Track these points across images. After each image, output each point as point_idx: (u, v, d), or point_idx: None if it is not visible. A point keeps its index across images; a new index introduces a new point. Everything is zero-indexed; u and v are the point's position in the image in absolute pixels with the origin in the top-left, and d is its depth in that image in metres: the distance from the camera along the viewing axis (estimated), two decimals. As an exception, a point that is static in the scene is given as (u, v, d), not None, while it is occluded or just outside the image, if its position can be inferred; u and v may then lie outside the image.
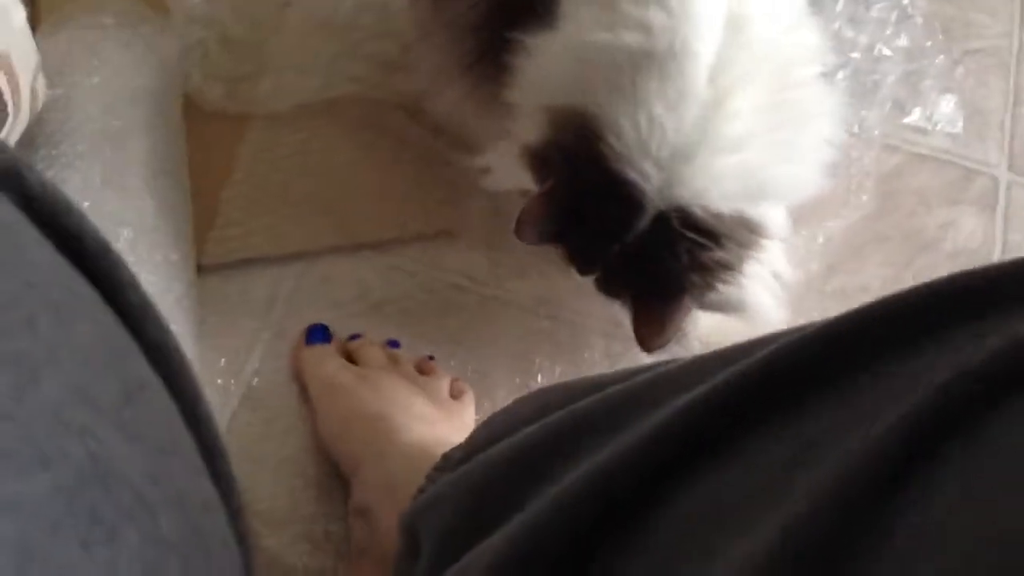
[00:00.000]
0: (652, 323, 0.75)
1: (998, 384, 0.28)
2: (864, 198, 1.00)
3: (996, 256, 0.99)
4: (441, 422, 0.81)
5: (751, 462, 0.33)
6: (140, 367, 0.35)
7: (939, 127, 1.06)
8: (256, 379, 0.88)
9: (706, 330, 0.91)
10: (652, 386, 0.42)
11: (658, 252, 0.72)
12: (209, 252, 0.92)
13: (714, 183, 0.70)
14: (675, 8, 0.69)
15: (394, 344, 0.89)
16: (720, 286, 0.74)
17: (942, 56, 1.08)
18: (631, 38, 0.70)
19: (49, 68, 0.88)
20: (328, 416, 0.83)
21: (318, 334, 0.88)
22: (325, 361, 0.85)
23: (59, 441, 0.28)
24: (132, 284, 0.36)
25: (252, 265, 0.93)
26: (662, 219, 0.70)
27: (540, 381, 0.90)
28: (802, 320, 0.89)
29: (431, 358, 0.89)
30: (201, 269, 0.91)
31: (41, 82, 0.87)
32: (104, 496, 0.28)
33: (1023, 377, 0.28)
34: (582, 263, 0.76)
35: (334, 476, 0.83)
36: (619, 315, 0.90)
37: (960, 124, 1.06)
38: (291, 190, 0.96)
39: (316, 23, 1.03)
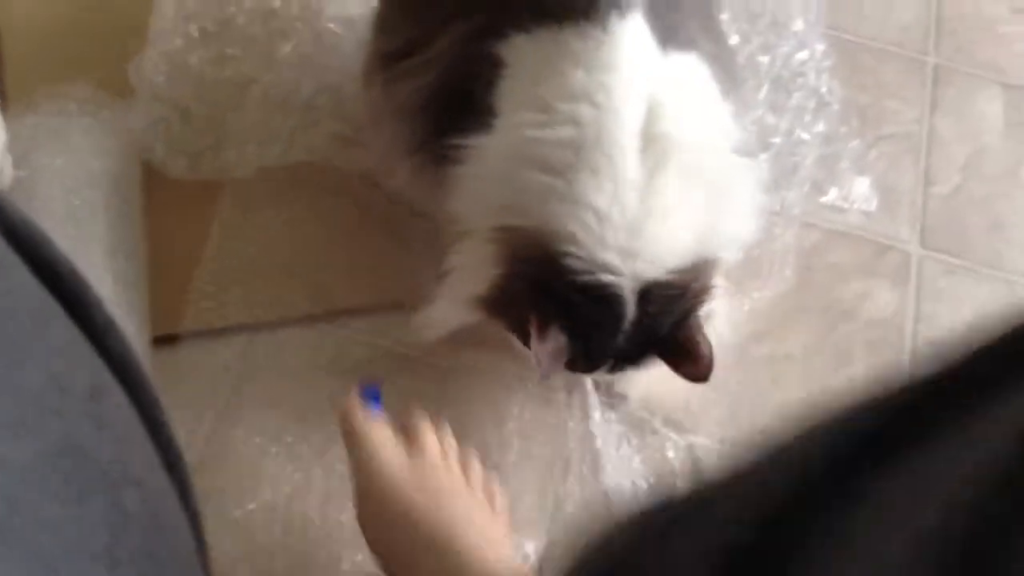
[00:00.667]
0: (686, 363, 0.80)
1: None
2: (787, 272, 1.06)
3: (909, 325, 1.06)
4: (489, 529, 0.75)
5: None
6: (103, 374, 0.40)
7: (855, 206, 1.12)
8: (219, 443, 0.91)
9: (642, 391, 0.96)
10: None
11: (654, 322, 0.78)
12: (184, 323, 0.96)
13: (668, 246, 0.77)
14: (601, 102, 0.76)
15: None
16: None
17: (857, 140, 1.15)
18: (564, 132, 0.76)
19: (15, 151, 0.93)
20: (378, 514, 0.74)
21: (372, 395, 0.81)
22: (382, 445, 0.75)
23: (40, 418, 0.34)
24: (98, 304, 0.42)
25: (225, 335, 0.96)
26: (644, 296, 0.77)
27: (504, 434, 0.94)
28: (733, 384, 0.95)
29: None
30: (177, 339, 0.95)
31: (8, 162, 0.91)
32: (75, 467, 0.34)
33: None
34: (590, 366, 0.81)
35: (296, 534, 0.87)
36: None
37: (874, 203, 1.13)
38: (262, 262, 1.00)
39: (274, 102, 1.08)
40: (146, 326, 0.94)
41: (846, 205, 1.12)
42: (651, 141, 0.76)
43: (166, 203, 1.01)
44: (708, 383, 0.91)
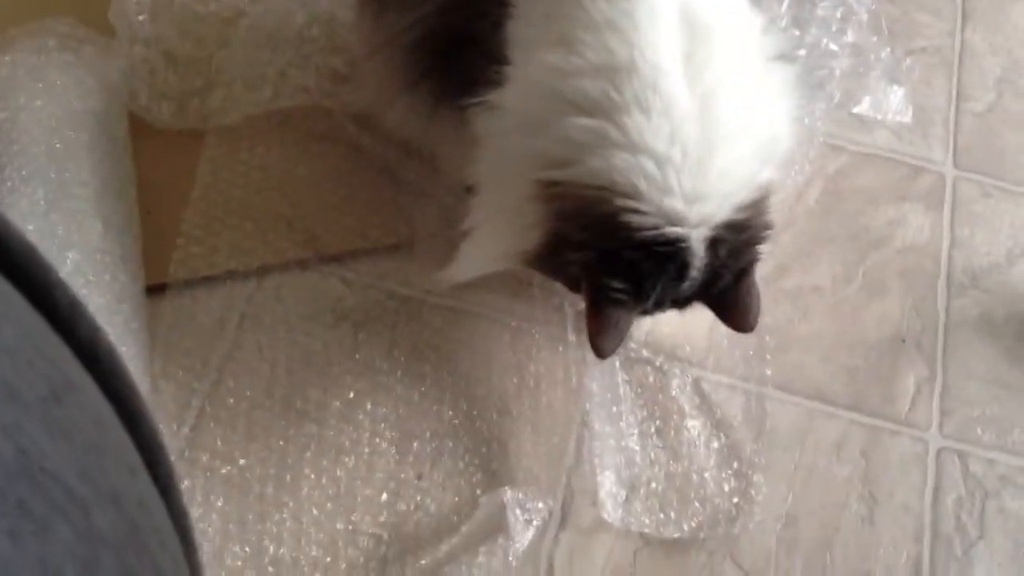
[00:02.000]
0: (736, 314, 0.75)
1: None
2: (812, 199, 1.01)
3: (945, 250, 1.00)
4: None
5: None
6: (70, 368, 0.35)
7: (889, 116, 1.06)
8: (216, 395, 0.87)
9: (644, 332, 0.92)
10: None
11: (723, 267, 0.71)
12: (172, 271, 0.91)
13: (736, 180, 0.70)
14: (630, 30, 0.68)
15: None
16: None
17: (888, 50, 1.08)
18: (599, 62, 0.68)
19: (-9, 92, 0.88)
20: None
21: None
22: None
23: None
24: (59, 285, 0.36)
25: (215, 282, 0.92)
26: (714, 242, 0.69)
27: (517, 382, 0.90)
28: (762, 317, 0.91)
29: None
30: (166, 288, 0.91)
31: (-17, 106, 0.86)
32: (33, 491, 0.28)
33: None
34: (654, 311, 0.74)
35: (290, 493, 0.83)
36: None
37: (910, 114, 1.06)
38: (251, 205, 0.95)
39: (263, 36, 1.02)
40: (141, 273, 0.90)
41: (880, 116, 1.06)
42: (696, 64, 0.68)
43: (150, 149, 0.96)
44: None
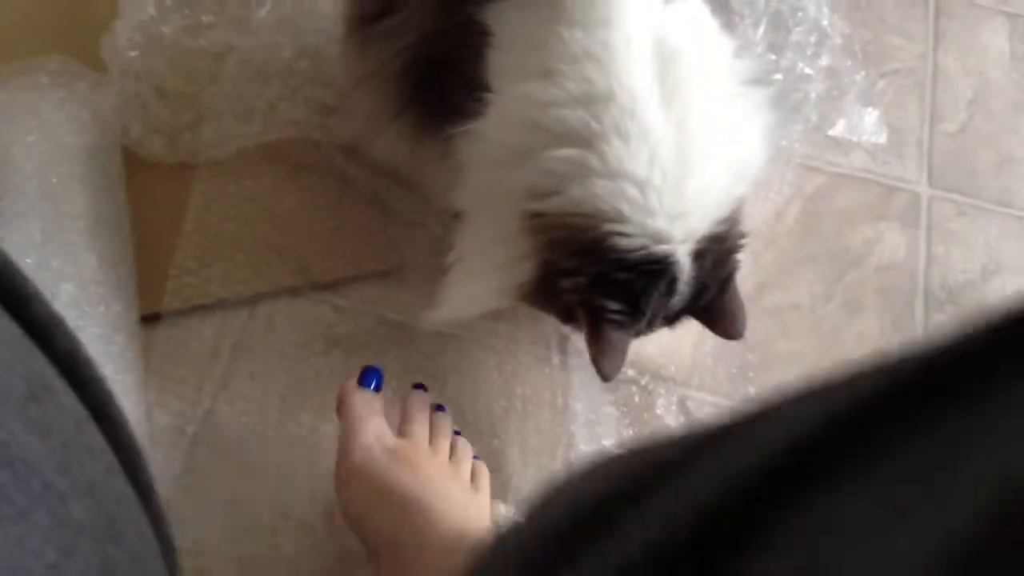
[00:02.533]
0: (724, 322, 0.78)
1: None
2: (791, 219, 1.03)
3: (921, 269, 1.03)
4: (470, 508, 0.76)
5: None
6: (45, 372, 0.37)
7: (864, 138, 1.08)
8: (210, 422, 0.89)
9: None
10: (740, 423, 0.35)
11: (708, 278, 0.74)
12: (167, 302, 0.93)
13: (714, 196, 0.73)
14: (607, 60, 0.70)
15: (441, 408, 0.86)
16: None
17: (862, 73, 1.11)
18: (576, 94, 0.70)
19: (-15, 128, 0.89)
20: (358, 490, 0.75)
21: (371, 379, 0.82)
22: (369, 421, 0.78)
23: None
24: (36, 297, 0.37)
25: (208, 311, 0.93)
26: (698, 255, 0.72)
27: (505, 405, 0.92)
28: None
29: (458, 433, 0.85)
30: (159, 318, 0.92)
31: (-22, 142, 0.88)
32: (13, 480, 0.30)
33: None
34: (645, 331, 0.77)
35: (284, 516, 0.85)
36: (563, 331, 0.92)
37: (884, 135, 1.09)
38: (242, 236, 0.97)
39: (252, 70, 1.04)
40: (135, 303, 0.91)
41: (855, 138, 1.08)
42: (669, 90, 0.71)
43: (142, 183, 0.98)
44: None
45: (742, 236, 0.77)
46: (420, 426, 0.80)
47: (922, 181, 1.08)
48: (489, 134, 0.73)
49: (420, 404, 0.83)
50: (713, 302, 0.76)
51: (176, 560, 0.42)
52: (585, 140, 0.69)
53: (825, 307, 1.00)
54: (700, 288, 0.74)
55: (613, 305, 0.71)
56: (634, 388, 0.93)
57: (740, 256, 0.78)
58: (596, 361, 0.73)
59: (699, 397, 0.94)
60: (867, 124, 1.09)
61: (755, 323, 0.96)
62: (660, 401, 0.93)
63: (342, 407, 0.79)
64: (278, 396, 0.90)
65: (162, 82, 1.03)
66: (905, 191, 1.07)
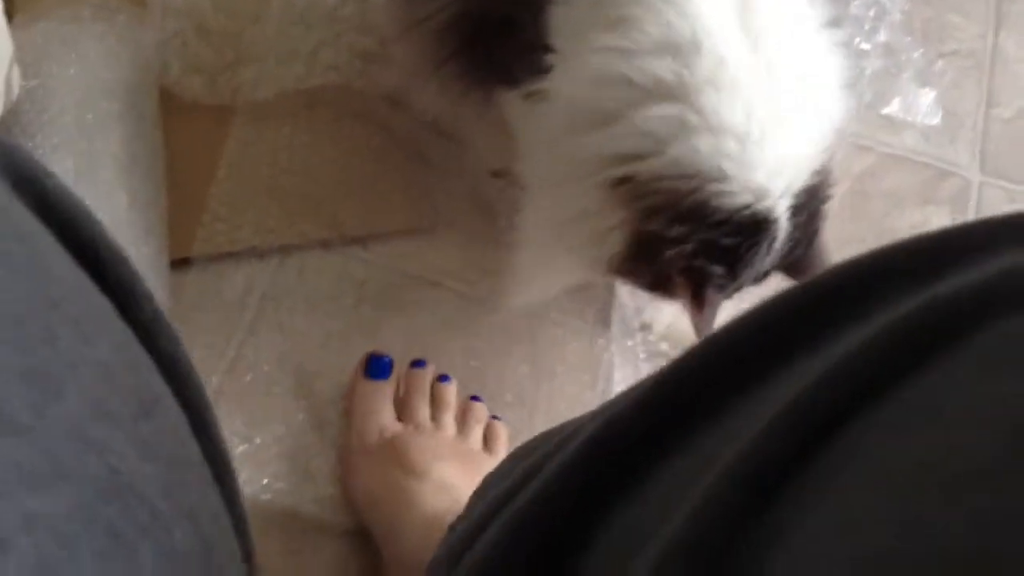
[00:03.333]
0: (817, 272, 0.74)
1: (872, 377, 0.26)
2: (837, 199, 1.00)
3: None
4: (466, 485, 0.74)
5: (660, 479, 0.32)
6: (154, 380, 0.35)
7: (918, 119, 1.06)
8: (239, 371, 0.88)
9: (665, 325, 0.92)
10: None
11: (804, 232, 0.71)
12: (197, 247, 0.92)
13: (810, 145, 0.69)
14: (682, 2, 0.66)
15: (445, 378, 0.86)
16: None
17: (920, 51, 1.08)
18: (660, 40, 0.65)
19: (24, 60, 0.88)
20: (359, 482, 0.80)
21: (380, 369, 0.84)
22: (373, 413, 0.81)
23: (79, 457, 0.27)
24: (147, 296, 0.36)
25: (239, 259, 0.93)
26: (796, 209, 0.69)
27: (535, 372, 0.90)
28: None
29: (475, 398, 0.85)
30: (189, 263, 0.91)
31: (16, 73, 0.87)
32: (122, 512, 0.28)
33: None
34: (737, 291, 0.73)
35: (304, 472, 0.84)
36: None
37: (938, 116, 1.06)
38: (277, 185, 0.95)
39: (296, 13, 1.02)
40: (166, 247, 0.90)
41: (909, 118, 1.06)
42: (753, 35, 0.66)
43: (178, 124, 0.96)
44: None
45: (832, 186, 0.73)
46: (420, 405, 0.81)
47: (974, 167, 1.05)
48: (564, 94, 0.69)
49: (418, 383, 0.84)
50: (802, 257, 0.72)
51: (255, 565, 0.41)
52: (680, 94, 0.65)
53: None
54: (794, 244, 0.70)
55: (719, 269, 0.68)
56: (665, 360, 0.92)
57: (826, 207, 0.74)
58: (701, 328, 0.69)
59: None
60: (922, 104, 1.06)
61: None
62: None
63: (349, 397, 0.81)
64: (304, 350, 0.89)
65: (204, 20, 1.01)
66: (956, 176, 1.04)
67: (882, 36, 1.06)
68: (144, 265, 0.86)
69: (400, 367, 0.87)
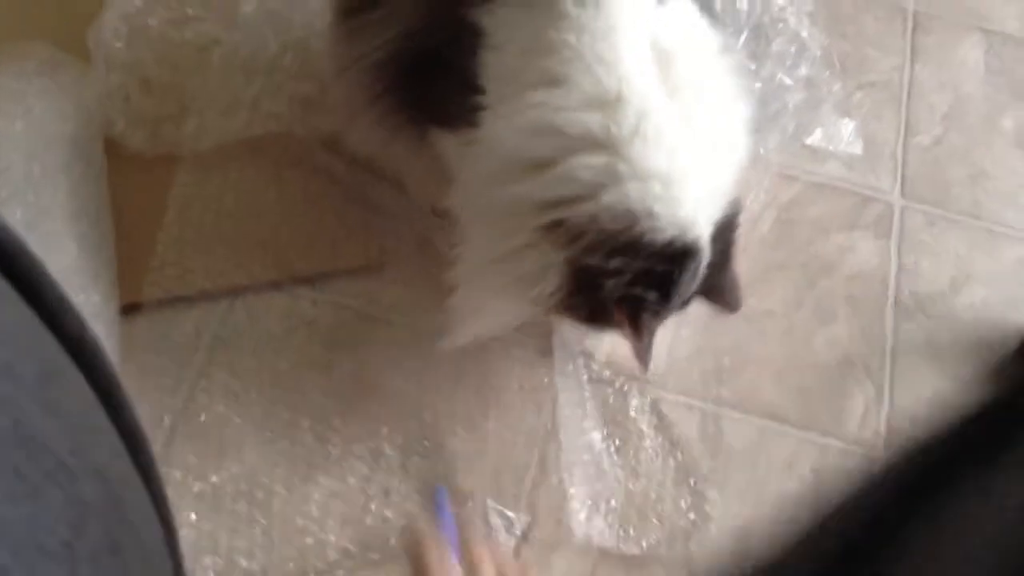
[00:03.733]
0: (724, 296, 0.80)
1: None
2: (766, 227, 1.05)
3: (892, 278, 1.05)
4: None
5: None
6: (58, 356, 0.37)
7: (840, 148, 1.10)
8: (188, 413, 0.89)
9: (608, 349, 0.95)
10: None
11: (721, 258, 0.76)
12: (147, 292, 0.93)
13: (726, 179, 0.76)
14: (613, 63, 0.71)
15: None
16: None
17: (840, 84, 1.13)
18: (593, 99, 0.71)
19: (-29, 116, 0.90)
20: None
21: (441, 501, 0.82)
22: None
23: None
24: (49, 282, 0.38)
25: (189, 302, 0.94)
26: (714, 236, 0.75)
27: (484, 399, 0.92)
28: (714, 339, 0.94)
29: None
30: (139, 307, 0.92)
31: (-38, 128, 0.88)
32: (27, 459, 0.31)
33: None
34: (668, 317, 0.78)
35: (261, 506, 0.86)
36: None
37: (860, 146, 1.11)
38: (224, 229, 0.97)
39: (237, 64, 1.04)
40: (114, 293, 0.91)
41: (831, 147, 1.10)
42: (671, 87, 0.73)
43: (124, 174, 0.98)
44: (684, 341, 0.91)
45: (739, 213, 0.79)
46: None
47: (895, 192, 1.10)
48: (498, 142, 0.73)
49: (482, 555, 0.75)
50: (718, 280, 0.78)
51: (177, 542, 0.43)
52: (610, 145, 0.70)
53: (797, 313, 1.01)
54: (711, 268, 0.76)
55: (653, 296, 0.73)
56: (609, 389, 0.94)
57: (737, 234, 0.80)
58: (640, 354, 0.74)
59: (672, 399, 0.95)
60: (844, 134, 1.11)
61: (730, 327, 0.98)
62: (634, 402, 0.94)
63: (415, 558, 0.71)
64: (256, 389, 0.91)
65: (147, 73, 1.03)
66: (878, 201, 1.09)
67: (803, 70, 1.11)
68: (93, 311, 0.88)
69: (353, 397, 0.88)
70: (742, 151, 0.79)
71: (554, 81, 0.71)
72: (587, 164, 0.70)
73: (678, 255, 0.72)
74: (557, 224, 0.72)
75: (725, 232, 0.77)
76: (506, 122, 0.73)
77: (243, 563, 0.83)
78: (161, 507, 0.41)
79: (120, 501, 0.36)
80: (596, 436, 0.91)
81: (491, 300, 0.81)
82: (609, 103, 0.70)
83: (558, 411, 0.92)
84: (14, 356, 0.34)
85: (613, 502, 0.89)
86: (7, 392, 0.32)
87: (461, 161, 0.77)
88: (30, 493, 0.30)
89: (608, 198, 0.70)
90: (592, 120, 0.70)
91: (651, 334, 0.75)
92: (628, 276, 0.72)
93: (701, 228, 0.73)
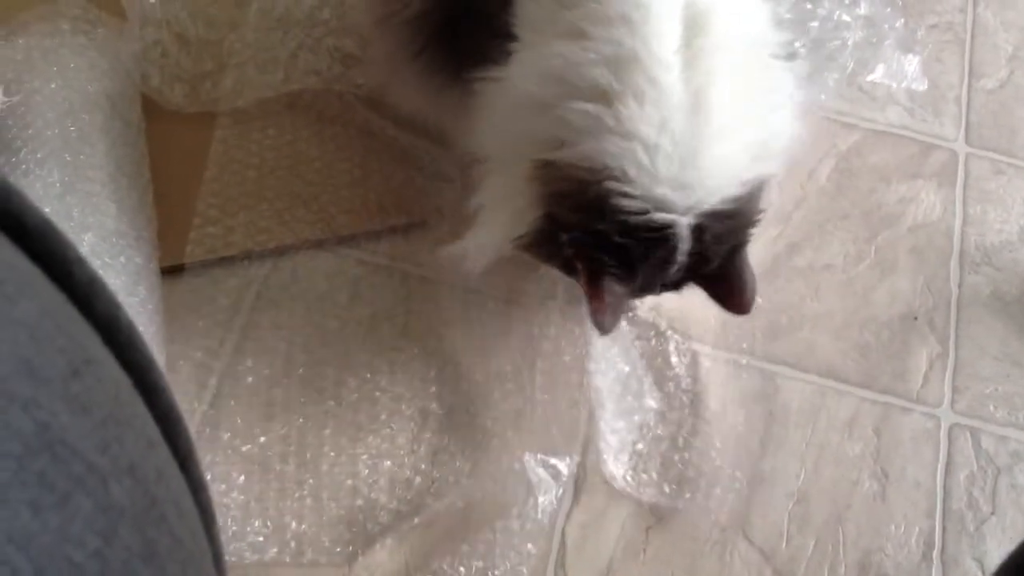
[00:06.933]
0: (730, 296, 0.76)
1: None
2: (823, 177, 1.01)
3: (957, 228, 1.01)
4: None
5: None
6: (88, 342, 0.35)
7: (904, 84, 1.06)
8: (238, 374, 0.88)
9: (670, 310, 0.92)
10: None
11: (709, 252, 0.72)
12: (189, 252, 0.92)
13: (724, 173, 0.71)
14: (639, 22, 0.68)
15: None
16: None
17: (902, 20, 1.08)
18: (605, 54, 0.69)
19: (6, 76, 0.88)
20: None
21: None
22: None
23: (3, 415, 0.28)
24: (78, 261, 0.36)
25: (232, 262, 0.93)
26: (699, 228, 0.71)
27: (530, 358, 0.90)
28: (770, 296, 0.92)
29: None
30: (182, 269, 0.91)
31: (-2, 87, 0.87)
32: (53, 464, 0.29)
33: None
34: (643, 294, 0.77)
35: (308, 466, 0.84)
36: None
37: (925, 81, 1.06)
38: (265, 186, 0.95)
39: (274, 18, 1.02)
40: (155, 255, 0.90)
41: (894, 84, 1.06)
42: (694, 57, 0.69)
43: (162, 131, 0.96)
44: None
45: (755, 213, 0.75)
46: None
47: (959, 139, 1.05)
48: (514, 82, 0.72)
49: None
50: (716, 275, 0.75)
51: (216, 532, 0.41)
52: (604, 97, 0.68)
53: (857, 267, 0.98)
54: (699, 260, 0.72)
55: (611, 263, 0.71)
56: (656, 343, 0.92)
57: (752, 231, 0.76)
58: (593, 314, 0.72)
59: (727, 356, 0.92)
60: (907, 70, 1.06)
61: (785, 284, 0.95)
62: (685, 359, 0.91)
63: None
64: (301, 349, 0.89)
65: (183, 29, 1.01)
66: (942, 149, 1.05)
67: (863, 8, 1.06)
68: (135, 273, 0.86)
69: (399, 357, 0.86)
70: (775, 145, 0.75)
71: (578, 34, 0.69)
72: (578, 109, 0.69)
73: (645, 233, 0.69)
74: (546, 165, 0.71)
75: (721, 226, 0.72)
76: (528, 67, 0.72)
77: (293, 525, 0.82)
78: (199, 494, 0.39)
79: (154, 498, 0.34)
80: (641, 392, 0.89)
81: (489, 232, 0.79)
82: (622, 62, 0.68)
83: (600, 370, 0.89)
84: (37, 353, 0.31)
85: (661, 457, 0.87)
86: (30, 394, 0.30)
87: (483, 101, 0.75)
88: (57, 502, 0.28)
89: (587, 146, 0.69)
90: (600, 74, 0.68)
91: (618, 302, 0.72)
92: (585, 234, 0.70)
93: (680, 212, 0.69)
